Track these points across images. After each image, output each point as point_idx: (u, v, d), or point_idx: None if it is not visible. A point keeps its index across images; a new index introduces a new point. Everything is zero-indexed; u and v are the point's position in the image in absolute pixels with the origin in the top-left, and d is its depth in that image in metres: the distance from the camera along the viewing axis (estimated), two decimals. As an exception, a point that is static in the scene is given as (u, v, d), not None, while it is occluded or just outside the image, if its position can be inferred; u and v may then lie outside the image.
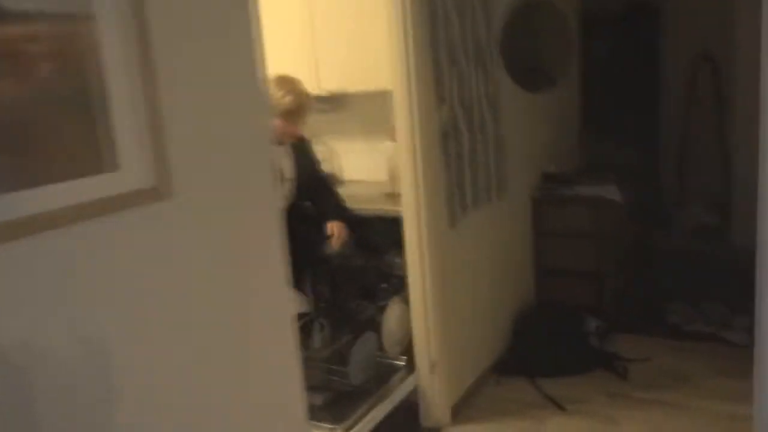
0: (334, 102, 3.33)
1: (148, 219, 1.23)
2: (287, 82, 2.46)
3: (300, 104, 2.46)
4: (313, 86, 3.00)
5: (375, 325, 2.74)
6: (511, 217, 3.17)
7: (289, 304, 1.75)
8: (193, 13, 1.33)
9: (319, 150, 3.44)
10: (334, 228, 2.67)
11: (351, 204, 2.85)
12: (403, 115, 2.35)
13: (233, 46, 1.46)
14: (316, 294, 3.04)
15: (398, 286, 2.80)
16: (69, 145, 1.09)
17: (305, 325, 2.49)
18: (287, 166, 2.62)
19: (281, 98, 2.41)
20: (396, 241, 2.62)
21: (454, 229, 2.60)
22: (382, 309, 2.80)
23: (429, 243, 2.49)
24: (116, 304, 1.18)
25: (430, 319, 2.57)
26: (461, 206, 2.60)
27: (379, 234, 2.87)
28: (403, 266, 2.60)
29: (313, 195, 2.80)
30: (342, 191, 3.24)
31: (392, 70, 2.32)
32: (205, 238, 1.38)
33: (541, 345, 3.09)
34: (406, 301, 2.63)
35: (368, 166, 3.34)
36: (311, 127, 3.46)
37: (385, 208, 2.75)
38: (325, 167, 3.41)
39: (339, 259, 2.90)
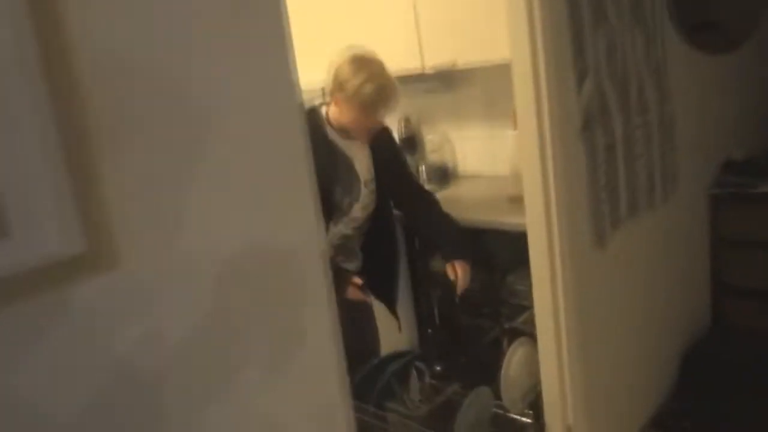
0: (446, 78, 2.72)
1: (70, 306, 0.75)
2: (366, 65, 1.90)
3: (383, 95, 1.90)
4: (415, 63, 2.43)
5: (498, 360, 2.14)
6: (680, 221, 2.38)
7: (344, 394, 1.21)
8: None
9: (431, 139, 2.87)
10: (458, 270, 2.11)
11: (463, 213, 2.24)
12: (526, 95, 1.70)
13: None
14: (419, 318, 2.50)
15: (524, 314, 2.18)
16: None
17: (403, 370, 1.96)
18: (364, 165, 2.08)
19: (359, 87, 1.86)
20: (521, 260, 1.99)
21: (602, 249, 1.91)
22: (510, 334, 2.20)
23: (565, 269, 1.83)
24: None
25: (566, 367, 1.93)
26: (612, 219, 1.90)
27: (500, 249, 2.25)
28: (529, 296, 1.97)
29: (402, 203, 2.24)
30: (455, 190, 2.65)
31: (511, 35, 1.68)
32: (184, 322, 0.87)
33: (720, 392, 2.31)
34: (533, 341, 2.00)
35: (488, 157, 2.71)
36: (419, 110, 2.89)
37: (505, 221, 2.11)
38: (438, 158, 2.84)
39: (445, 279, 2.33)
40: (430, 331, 2.46)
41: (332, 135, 2.00)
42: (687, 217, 2.44)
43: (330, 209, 1.99)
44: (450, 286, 2.28)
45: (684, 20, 2.27)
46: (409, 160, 2.86)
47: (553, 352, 1.92)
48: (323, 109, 2.04)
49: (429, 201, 2.23)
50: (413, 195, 2.22)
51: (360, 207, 2.07)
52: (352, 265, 2.13)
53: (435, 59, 2.38)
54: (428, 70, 2.41)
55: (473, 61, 2.29)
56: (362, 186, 2.06)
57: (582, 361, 1.94)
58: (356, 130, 1.97)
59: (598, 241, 1.88)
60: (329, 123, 2.00)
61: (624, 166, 1.91)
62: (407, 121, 2.87)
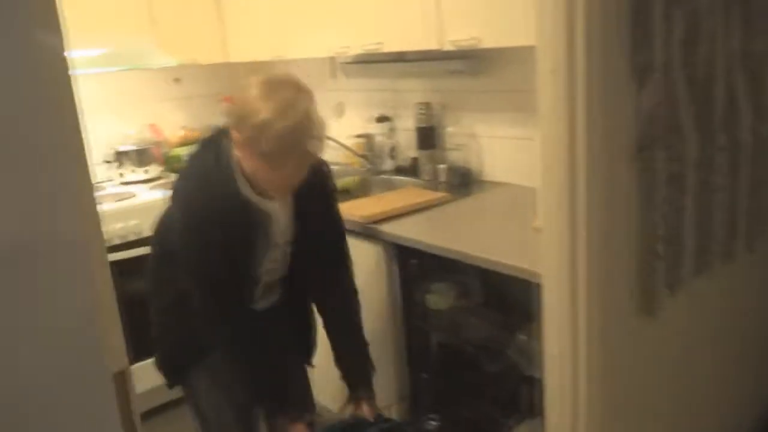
0: (474, 60, 2.17)
1: None
2: (276, 92, 1.26)
3: (293, 139, 1.25)
4: (431, 40, 1.90)
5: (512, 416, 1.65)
6: (763, 274, 1.78)
7: None
8: None
9: (452, 133, 2.34)
10: (365, 409, 1.58)
11: (472, 244, 1.70)
12: (553, 97, 1.16)
13: None
14: (412, 359, 2.01)
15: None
16: None
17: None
18: (281, 223, 1.46)
19: (261, 128, 1.23)
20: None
21: (651, 318, 1.37)
22: (530, 385, 1.71)
23: (591, 345, 1.30)
24: None
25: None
26: (670, 279, 1.34)
27: (518, 291, 1.72)
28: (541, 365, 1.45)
29: (313, 277, 1.60)
30: (473, 203, 2.12)
31: (538, 9, 1.13)
32: None
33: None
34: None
35: (520, 162, 2.15)
36: (442, 95, 2.35)
37: (519, 266, 1.55)
38: (459, 158, 2.31)
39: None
40: (425, 375, 1.98)
41: (243, 187, 1.36)
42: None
43: (248, 285, 1.46)
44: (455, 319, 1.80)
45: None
46: (425, 156, 2.35)
47: (567, 447, 1.41)
48: (227, 145, 1.36)
49: (347, 290, 1.64)
50: (330, 273, 1.62)
51: (264, 271, 1.50)
52: (268, 300, 1.59)
53: (456, 34, 1.84)
54: (447, 47, 1.88)
55: (502, 40, 1.74)
56: (270, 248, 1.46)
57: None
58: (265, 186, 1.35)
59: (645, 308, 1.34)
60: (240, 168, 1.35)
61: (695, 204, 1.34)
62: (426, 107, 2.35)
